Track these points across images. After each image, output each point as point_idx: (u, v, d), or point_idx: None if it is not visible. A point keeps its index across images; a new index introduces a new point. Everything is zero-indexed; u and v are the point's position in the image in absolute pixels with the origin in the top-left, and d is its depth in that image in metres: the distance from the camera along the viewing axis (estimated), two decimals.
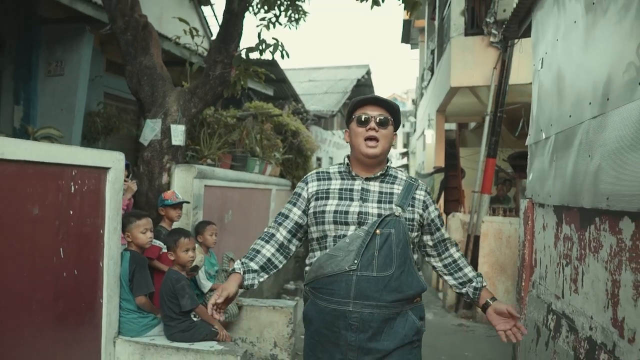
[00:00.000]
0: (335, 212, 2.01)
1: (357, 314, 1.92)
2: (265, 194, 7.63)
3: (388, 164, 2.16)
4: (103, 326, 3.14)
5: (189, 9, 10.28)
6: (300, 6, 6.77)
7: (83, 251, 2.93)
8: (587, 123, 2.39)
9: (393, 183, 2.10)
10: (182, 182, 4.54)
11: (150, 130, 5.08)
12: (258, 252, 2.11)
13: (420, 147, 12.80)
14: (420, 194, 2.11)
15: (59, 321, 2.77)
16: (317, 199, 2.09)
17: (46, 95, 6.92)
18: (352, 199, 2.04)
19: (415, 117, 15.76)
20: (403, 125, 33.65)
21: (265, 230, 2.19)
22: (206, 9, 10.89)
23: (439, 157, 9.76)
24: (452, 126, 12.42)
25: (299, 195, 2.17)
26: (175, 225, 4.07)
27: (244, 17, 5.30)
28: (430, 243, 2.17)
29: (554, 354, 2.75)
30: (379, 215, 1.98)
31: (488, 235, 6.37)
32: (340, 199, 2.05)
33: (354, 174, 2.12)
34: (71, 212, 2.80)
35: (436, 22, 9.49)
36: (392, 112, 2.10)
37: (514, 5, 5.97)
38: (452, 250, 2.20)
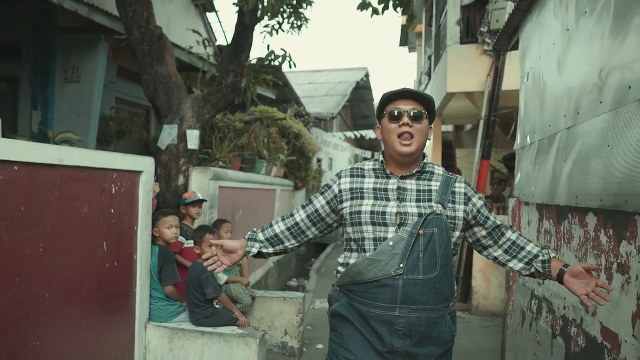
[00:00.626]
0: (372, 212, 1.93)
1: (404, 319, 1.85)
2: (270, 194, 8.02)
3: (424, 160, 2.05)
4: (136, 312, 3.52)
5: (195, 16, 10.66)
6: (302, 13, 7.15)
7: (120, 245, 3.31)
8: (562, 132, 2.78)
9: (430, 180, 2.01)
10: (199, 183, 4.92)
11: (167, 135, 5.45)
12: (270, 225, 2.16)
13: None
14: (460, 187, 2.01)
15: (102, 307, 3.15)
16: (352, 198, 2.01)
17: (63, 101, 7.28)
18: (388, 199, 1.96)
19: None
20: None
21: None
22: (211, 15, 11.25)
23: (435, 158, 10.14)
24: (449, 128, 12.83)
25: (329, 187, 2.11)
26: (196, 222, 4.45)
27: (254, 29, 5.69)
28: (484, 233, 2.06)
29: (536, 333, 3.14)
30: (420, 214, 1.89)
31: None
32: (375, 198, 1.97)
33: (388, 172, 2.02)
34: (112, 211, 3.18)
35: (433, 29, 9.89)
36: (425, 105, 1.99)
37: (506, 17, 6.36)
38: (508, 233, 2.06)
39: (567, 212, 2.67)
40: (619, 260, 2.02)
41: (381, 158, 2.06)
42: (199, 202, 4.43)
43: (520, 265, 2.02)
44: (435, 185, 1.98)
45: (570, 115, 2.67)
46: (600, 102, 2.25)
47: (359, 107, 21.02)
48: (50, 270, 2.64)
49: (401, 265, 1.83)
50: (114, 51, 8.15)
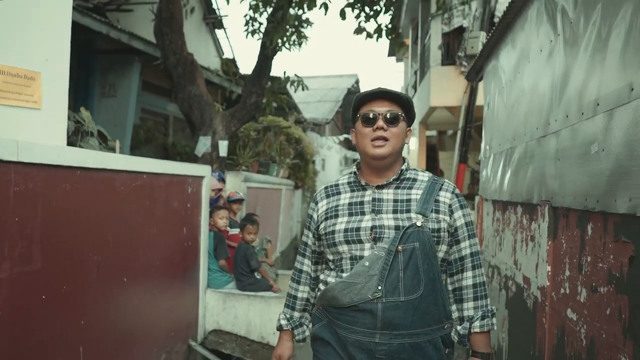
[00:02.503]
0: (346, 230, 1.80)
1: (386, 346, 1.71)
2: (278, 193, 9.28)
3: (404, 166, 1.88)
4: (200, 280, 4.75)
5: (206, 33, 11.87)
6: (303, 32, 8.38)
7: (191, 230, 4.54)
8: (507, 150, 4.06)
9: (411, 188, 1.84)
10: (233, 184, 6.16)
11: (203, 145, 6.68)
12: (295, 297, 2.06)
13: (405, 151, 14.56)
14: (444, 196, 1.84)
15: (182, 274, 4.38)
16: (326, 219, 1.89)
17: (101, 113, 8.46)
18: (363, 213, 1.82)
19: None
20: None
21: (295, 265, 2.10)
22: (219, 32, 12.44)
23: (420, 160, 11.44)
24: (433, 133, 14.16)
25: (311, 218, 2.01)
26: (238, 216, 5.70)
27: (273, 59, 6.93)
28: (449, 258, 1.87)
29: (491, 291, 4.42)
30: (397, 227, 1.74)
31: None
32: (350, 214, 1.84)
33: (363, 183, 1.88)
34: (188, 205, 4.41)
35: (418, 47, 11.20)
36: (403, 105, 1.83)
37: (480, 45, 7.65)
38: (467, 273, 1.86)
39: (508, 205, 3.95)
40: (531, 234, 3.30)
41: (354, 169, 1.94)
42: (239, 200, 5.68)
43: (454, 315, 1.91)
44: (416, 193, 1.83)
45: (510, 140, 3.96)
46: (525, 134, 3.53)
47: (349, 111, 22.33)
48: (159, 245, 3.88)
49: (379, 287, 1.69)
50: (140, 68, 9.34)
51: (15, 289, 2.34)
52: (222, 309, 4.84)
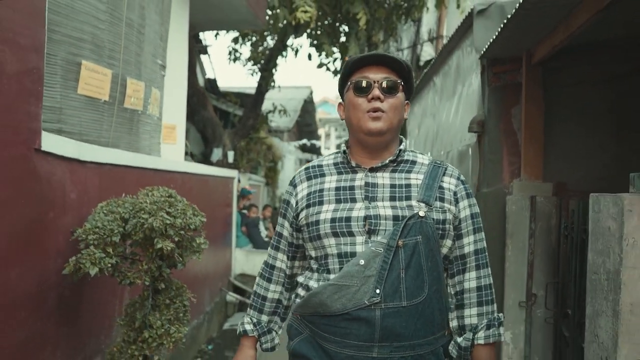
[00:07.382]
0: (333, 220, 1.53)
1: None
2: (259, 187, 12.17)
3: (402, 146, 1.61)
4: (232, 242, 7.56)
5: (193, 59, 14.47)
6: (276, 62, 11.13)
7: (229, 209, 7.33)
8: None
9: (410, 171, 1.58)
10: (242, 181, 8.96)
11: (216, 155, 9.44)
12: (265, 298, 1.75)
13: None
14: (449, 182, 1.58)
15: (224, 237, 7.18)
16: (308, 206, 1.60)
17: None
18: (354, 200, 1.54)
19: None
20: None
21: (265, 260, 1.79)
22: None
23: None
24: None
25: (288, 203, 1.71)
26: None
27: (265, 94, 9.75)
28: (449, 256, 1.60)
29: None
30: (396, 218, 1.48)
31: None
32: (338, 201, 1.56)
33: (354, 164, 1.60)
34: (229, 195, 7.21)
35: None
36: (402, 73, 1.57)
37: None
38: (471, 274, 1.59)
39: None
40: None
41: (344, 147, 1.66)
42: (250, 193, 8.53)
43: (453, 324, 1.63)
44: (416, 178, 1.57)
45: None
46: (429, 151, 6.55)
47: (304, 117, 25.19)
48: (219, 218, 6.68)
49: (377, 290, 1.43)
50: None
51: None
52: (245, 260, 7.65)
